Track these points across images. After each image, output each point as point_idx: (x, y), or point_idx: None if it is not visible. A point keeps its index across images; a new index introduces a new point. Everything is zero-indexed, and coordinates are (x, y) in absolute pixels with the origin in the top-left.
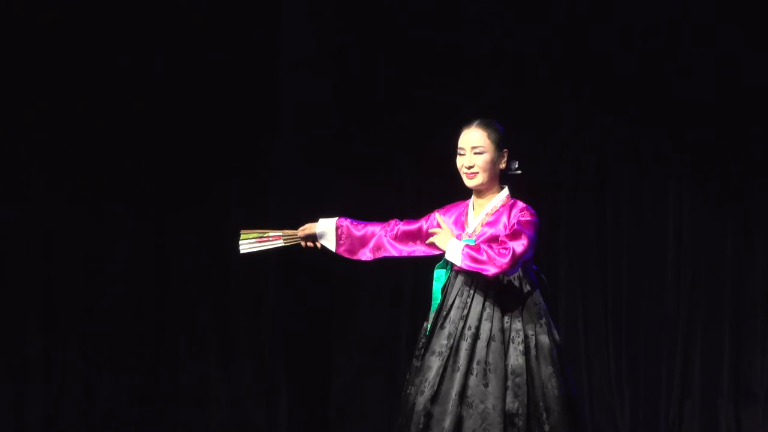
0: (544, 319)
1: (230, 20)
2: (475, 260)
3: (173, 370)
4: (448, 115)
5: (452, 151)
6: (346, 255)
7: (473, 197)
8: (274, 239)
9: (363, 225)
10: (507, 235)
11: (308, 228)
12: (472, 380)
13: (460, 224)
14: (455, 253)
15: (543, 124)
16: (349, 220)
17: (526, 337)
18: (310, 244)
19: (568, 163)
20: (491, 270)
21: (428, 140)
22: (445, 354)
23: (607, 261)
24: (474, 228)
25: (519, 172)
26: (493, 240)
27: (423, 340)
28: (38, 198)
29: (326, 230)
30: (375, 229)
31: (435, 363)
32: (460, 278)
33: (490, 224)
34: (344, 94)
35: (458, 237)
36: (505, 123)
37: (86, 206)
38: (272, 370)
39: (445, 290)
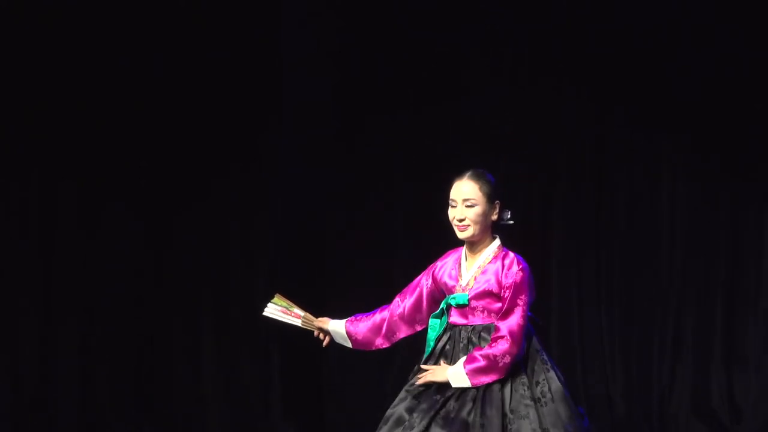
0: (548, 364)
1: (230, 20)
2: (482, 372)
3: (170, 368)
4: (448, 116)
5: (450, 151)
6: (363, 348)
7: (465, 247)
8: (295, 317)
9: (370, 316)
10: (500, 317)
11: (323, 322)
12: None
13: (455, 277)
14: (460, 380)
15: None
16: (356, 317)
17: (537, 384)
18: (322, 336)
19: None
20: (501, 371)
21: (428, 141)
22: (436, 407)
23: (600, 228)
24: (467, 281)
25: (511, 222)
26: (486, 295)
27: (413, 382)
28: (38, 198)
29: (337, 331)
30: (384, 315)
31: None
32: (456, 334)
33: (482, 276)
34: (344, 94)
35: (453, 289)
36: (506, 124)
37: (86, 206)
38: (270, 366)
39: (439, 340)
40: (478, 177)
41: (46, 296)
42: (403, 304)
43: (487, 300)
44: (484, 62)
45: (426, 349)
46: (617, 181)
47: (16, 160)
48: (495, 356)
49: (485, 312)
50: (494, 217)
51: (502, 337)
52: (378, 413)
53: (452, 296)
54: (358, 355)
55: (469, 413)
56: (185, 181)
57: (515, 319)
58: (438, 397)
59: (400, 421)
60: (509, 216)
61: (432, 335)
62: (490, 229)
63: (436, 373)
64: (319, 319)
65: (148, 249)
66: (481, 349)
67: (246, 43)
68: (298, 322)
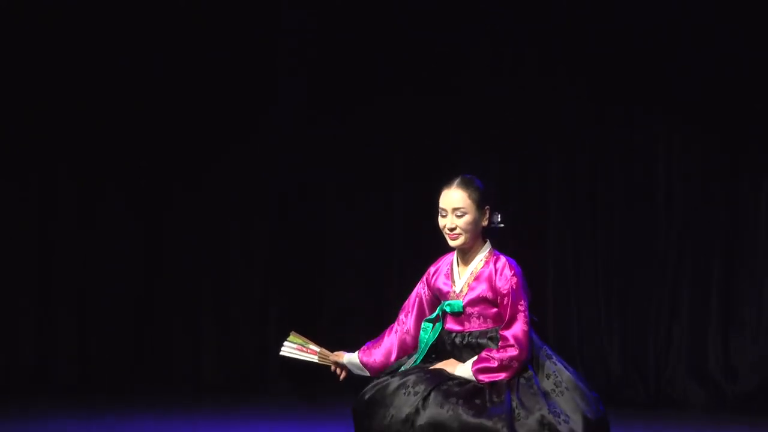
0: (554, 358)
1: (230, 20)
2: (488, 370)
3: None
4: (448, 116)
5: (448, 152)
6: (382, 369)
7: (457, 253)
8: (311, 353)
9: (380, 342)
10: (504, 326)
11: (338, 356)
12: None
13: (448, 283)
14: (467, 375)
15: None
16: (367, 345)
17: (548, 376)
18: (338, 370)
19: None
20: (509, 372)
21: (428, 141)
22: (440, 380)
23: (596, 192)
24: (461, 288)
25: (502, 225)
26: (481, 302)
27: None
28: (37, 198)
29: (352, 362)
30: (392, 340)
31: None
32: (452, 341)
33: (476, 282)
34: (344, 94)
35: (447, 295)
36: (505, 123)
37: (86, 206)
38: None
39: (435, 346)
40: (466, 185)
41: (43, 294)
42: (407, 321)
43: (482, 306)
44: (484, 62)
45: (419, 352)
46: (614, 147)
47: (16, 160)
48: (502, 360)
49: (481, 318)
50: (485, 222)
51: (511, 345)
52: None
53: (447, 303)
54: (356, 317)
55: (474, 394)
56: (185, 180)
57: (519, 326)
58: (444, 377)
59: (402, 386)
60: (500, 219)
61: (424, 336)
62: (481, 234)
63: (446, 364)
64: (335, 353)
65: (149, 248)
66: (490, 351)
67: (245, 43)
68: (314, 358)
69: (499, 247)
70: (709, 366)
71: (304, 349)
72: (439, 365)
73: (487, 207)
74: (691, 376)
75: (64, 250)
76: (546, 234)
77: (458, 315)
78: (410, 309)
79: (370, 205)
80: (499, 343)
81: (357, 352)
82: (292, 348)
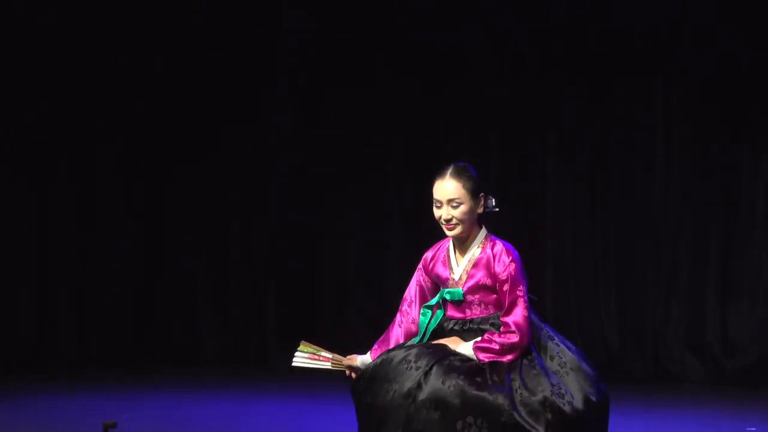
0: (556, 339)
1: (231, 21)
2: (489, 351)
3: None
4: (448, 116)
5: (449, 152)
6: None
7: (453, 240)
8: (324, 360)
9: (389, 337)
10: (504, 313)
11: (351, 360)
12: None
13: (446, 270)
14: (468, 353)
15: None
16: (376, 344)
17: (552, 358)
18: (353, 374)
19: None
20: (511, 355)
21: (428, 141)
22: (442, 355)
23: (595, 167)
24: (459, 276)
25: (497, 209)
26: (480, 289)
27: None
28: (36, 196)
29: (366, 363)
30: (397, 333)
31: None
32: (454, 328)
33: (474, 269)
34: (342, 92)
35: (446, 281)
36: (505, 121)
37: (85, 206)
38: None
39: (435, 332)
40: (459, 174)
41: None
42: (411, 311)
43: (483, 293)
44: (484, 62)
45: (419, 336)
46: (613, 119)
47: (15, 160)
48: (504, 344)
49: (482, 305)
50: (480, 210)
51: (512, 332)
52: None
53: (447, 291)
54: (353, 289)
55: (476, 372)
56: (184, 180)
57: (520, 311)
58: (447, 352)
59: (404, 361)
60: (494, 203)
61: (423, 321)
62: (477, 221)
63: (448, 341)
64: (348, 357)
65: (149, 248)
66: (493, 334)
67: (245, 43)
68: (327, 365)
69: (494, 231)
70: (707, 340)
71: (316, 357)
72: (442, 341)
73: (482, 194)
74: (689, 350)
75: (62, 248)
76: (545, 211)
77: (459, 303)
78: (413, 299)
79: (369, 203)
80: (501, 329)
81: (369, 353)
82: (304, 357)
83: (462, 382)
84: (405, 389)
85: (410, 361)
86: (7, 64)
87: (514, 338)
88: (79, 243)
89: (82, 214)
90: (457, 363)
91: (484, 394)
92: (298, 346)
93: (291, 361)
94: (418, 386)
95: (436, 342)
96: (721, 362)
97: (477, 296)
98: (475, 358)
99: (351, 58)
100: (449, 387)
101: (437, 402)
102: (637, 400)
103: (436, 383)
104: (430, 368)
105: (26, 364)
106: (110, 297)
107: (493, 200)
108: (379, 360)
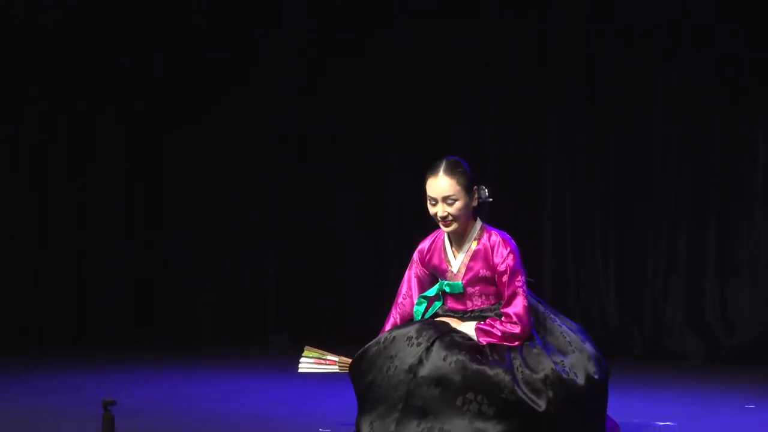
0: (557, 321)
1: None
2: (490, 335)
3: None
4: (447, 114)
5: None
6: None
7: (448, 233)
8: (330, 363)
9: (386, 330)
10: (505, 304)
11: None
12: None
13: (444, 262)
14: (469, 332)
15: None
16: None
17: (556, 338)
18: None
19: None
20: (511, 344)
21: (426, 140)
22: (443, 331)
23: (594, 141)
24: (458, 269)
25: (491, 200)
26: (480, 281)
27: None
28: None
29: None
30: (396, 320)
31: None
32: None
33: (473, 262)
34: (340, 93)
35: (444, 273)
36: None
37: (85, 206)
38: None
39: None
40: (452, 170)
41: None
42: (406, 302)
43: (482, 285)
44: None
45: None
46: (614, 99)
47: (14, 159)
48: (505, 333)
49: (483, 296)
50: (475, 203)
51: (514, 323)
52: (370, 321)
53: (446, 283)
54: (351, 265)
55: (477, 350)
56: (184, 180)
57: (520, 302)
58: (449, 328)
59: (406, 337)
60: (487, 194)
61: (419, 309)
62: (472, 213)
63: (451, 319)
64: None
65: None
66: (495, 320)
67: (244, 42)
68: (335, 368)
69: (492, 214)
70: (706, 317)
71: (323, 362)
72: (444, 318)
73: (476, 187)
74: (688, 327)
75: (59, 208)
76: (544, 186)
77: (460, 296)
78: (411, 291)
79: (368, 203)
80: (503, 319)
81: None
82: (310, 363)
83: (463, 358)
84: (406, 365)
85: (411, 337)
86: (6, 63)
87: (516, 329)
88: (79, 243)
89: (81, 216)
90: (459, 339)
91: (485, 368)
92: (302, 352)
93: (299, 367)
94: (419, 362)
95: (437, 319)
96: (720, 339)
97: (477, 288)
98: (475, 338)
99: (345, 57)
100: (450, 363)
101: (438, 378)
102: (636, 377)
103: (437, 359)
104: (432, 344)
105: (24, 342)
106: (109, 280)
107: (486, 190)
108: (381, 338)
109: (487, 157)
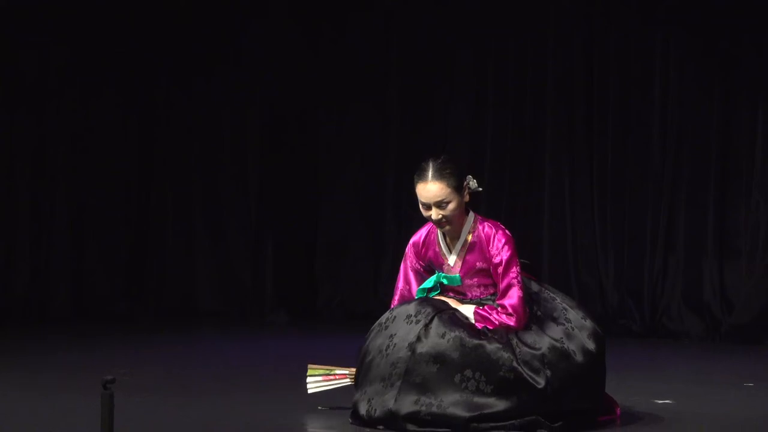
0: (557, 300)
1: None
2: (487, 321)
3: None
4: (447, 114)
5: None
6: None
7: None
8: (340, 377)
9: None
10: (500, 296)
11: None
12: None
13: (439, 255)
14: (468, 313)
15: None
16: None
17: (556, 319)
18: None
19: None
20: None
21: (422, 135)
22: (442, 308)
23: (593, 119)
24: (454, 262)
25: (480, 189)
26: (477, 273)
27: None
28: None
29: None
30: None
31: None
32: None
33: (469, 255)
34: (337, 92)
35: (441, 266)
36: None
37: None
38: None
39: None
40: (440, 174)
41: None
42: (411, 292)
43: (479, 276)
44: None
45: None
46: (612, 73)
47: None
48: (501, 323)
49: (482, 287)
50: (467, 198)
51: (510, 314)
52: (368, 299)
53: (444, 275)
54: (350, 242)
55: (474, 328)
56: (183, 181)
57: (515, 293)
58: (448, 306)
59: (406, 315)
60: (476, 183)
61: (419, 293)
62: (465, 208)
63: (451, 299)
64: None
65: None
66: (493, 308)
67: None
68: (346, 381)
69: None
70: (704, 296)
71: (331, 377)
72: (444, 297)
73: (465, 183)
74: (686, 305)
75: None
76: (542, 165)
77: (458, 287)
78: (407, 281)
79: (367, 202)
80: (499, 309)
81: None
82: (318, 381)
83: (461, 335)
84: (405, 343)
85: (410, 315)
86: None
87: (511, 321)
88: (77, 217)
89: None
90: (458, 315)
91: (483, 345)
92: (306, 372)
93: (306, 389)
94: (418, 339)
95: (437, 297)
96: (719, 318)
97: (475, 279)
98: (473, 321)
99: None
100: (448, 340)
101: (437, 356)
102: (635, 356)
103: (435, 337)
104: (430, 321)
105: (20, 319)
106: (105, 248)
107: (475, 181)
108: (383, 318)
109: (484, 132)
